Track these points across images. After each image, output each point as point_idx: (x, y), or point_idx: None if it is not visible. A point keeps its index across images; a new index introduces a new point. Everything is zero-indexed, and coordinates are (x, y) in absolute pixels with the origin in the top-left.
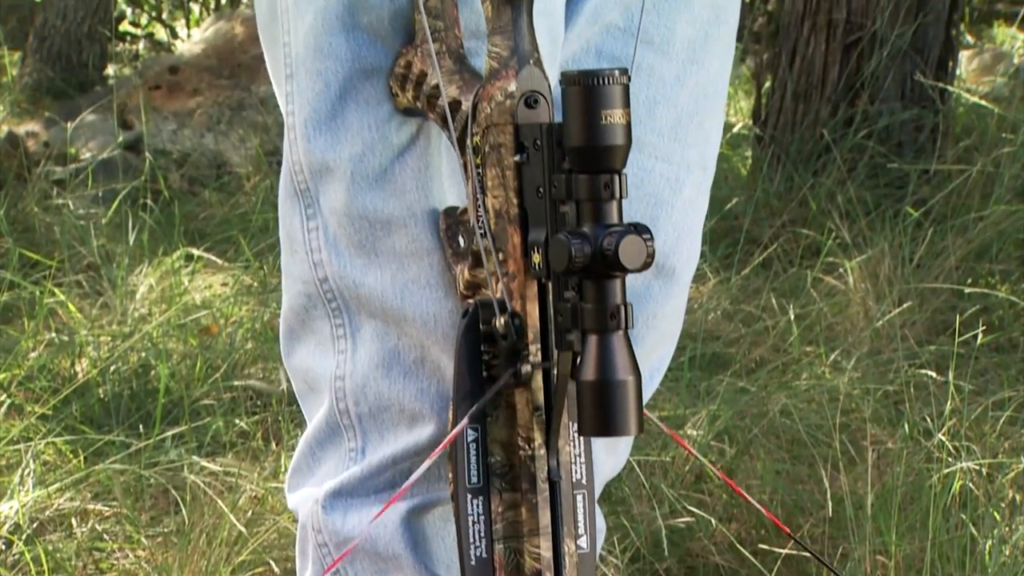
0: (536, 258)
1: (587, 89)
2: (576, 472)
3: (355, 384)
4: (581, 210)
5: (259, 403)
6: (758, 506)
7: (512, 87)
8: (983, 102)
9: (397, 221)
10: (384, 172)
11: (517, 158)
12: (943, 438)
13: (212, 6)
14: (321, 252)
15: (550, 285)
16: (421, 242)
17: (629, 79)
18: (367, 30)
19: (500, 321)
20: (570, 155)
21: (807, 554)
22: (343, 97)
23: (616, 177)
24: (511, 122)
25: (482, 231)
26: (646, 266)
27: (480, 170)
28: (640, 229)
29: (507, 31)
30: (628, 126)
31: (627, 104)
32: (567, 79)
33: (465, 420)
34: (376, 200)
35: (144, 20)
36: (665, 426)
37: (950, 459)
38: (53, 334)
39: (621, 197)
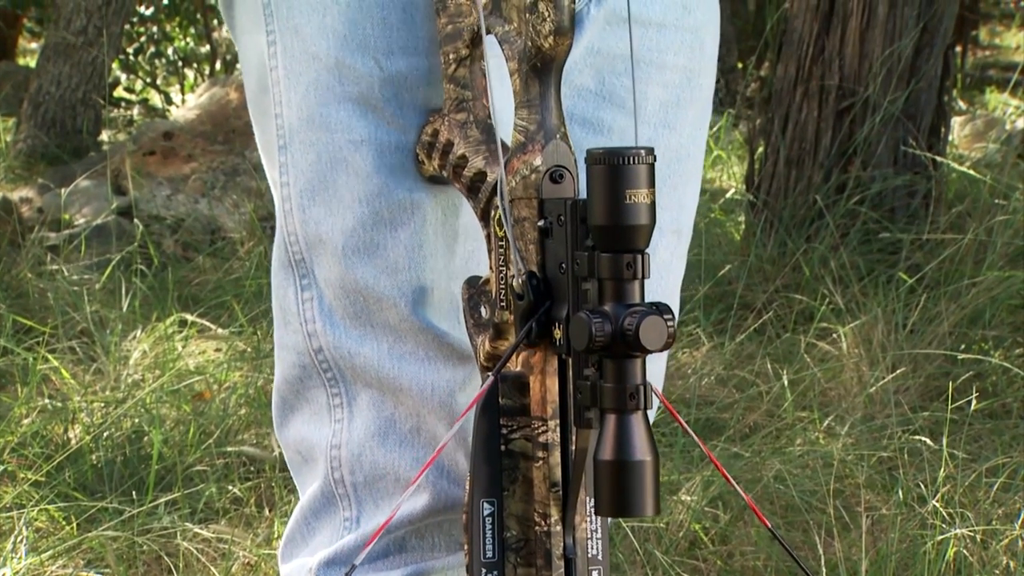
0: (557, 334)
1: (612, 168)
2: (592, 548)
3: (351, 453)
4: (603, 288)
5: (252, 469)
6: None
7: (537, 161)
8: (972, 172)
9: (388, 300)
10: (376, 247)
11: (541, 223)
12: (937, 504)
13: (206, 72)
14: (316, 323)
15: (570, 361)
16: (412, 322)
17: (655, 159)
18: (358, 101)
19: (518, 281)
20: (593, 233)
21: None
22: (334, 168)
23: (639, 257)
24: (535, 196)
25: (504, 303)
26: (667, 347)
27: (503, 242)
28: (662, 309)
29: (534, 105)
30: (653, 205)
31: (652, 183)
32: (592, 157)
33: (489, 384)
34: (367, 275)
35: (138, 86)
36: (666, 402)
37: (944, 525)
38: (46, 400)
39: (644, 277)
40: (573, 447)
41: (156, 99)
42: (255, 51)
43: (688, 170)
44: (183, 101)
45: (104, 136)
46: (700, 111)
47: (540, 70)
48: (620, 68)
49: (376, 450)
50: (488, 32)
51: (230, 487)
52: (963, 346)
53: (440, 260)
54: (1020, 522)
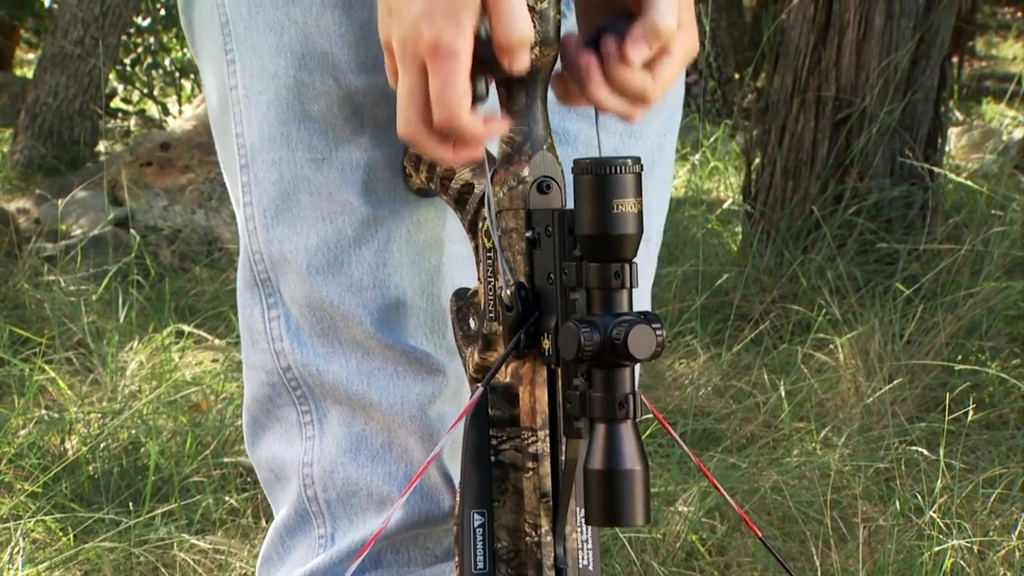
0: (546, 344)
1: (599, 178)
2: (583, 559)
3: (323, 470)
4: (591, 298)
5: (249, 480)
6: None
7: (525, 172)
8: (969, 182)
9: (353, 317)
10: (341, 265)
11: (529, 234)
12: (934, 515)
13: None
14: (283, 341)
15: (559, 371)
16: (378, 339)
17: (642, 168)
18: (317, 119)
19: (506, 292)
20: (581, 243)
21: None
22: (296, 187)
23: (627, 266)
24: (523, 207)
25: (492, 314)
26: (656, 355)
27: (491, 254)
28: (650, 319)
29: (521, 115)
30: (640, 215)
31: (639, 193)
32: (579, 167)
33: (480, 390)
34: (332, 294)
35: (136, 97)
36: (651, 404)
37: (941, 536)
38: (43, 411)
39: (632, 286)
40: (563, 457)
41: (153, 110)
42: (215, 70)
43: (655, 177)
44: (180, 112)
45: (101, 147)
46: (667, 118)
47: (526, 81)
48: None
49: (348, 466)
50: None
51: (227, 498)
52: (960, 357)
53: (406, 276)
54: (1017, 533)
